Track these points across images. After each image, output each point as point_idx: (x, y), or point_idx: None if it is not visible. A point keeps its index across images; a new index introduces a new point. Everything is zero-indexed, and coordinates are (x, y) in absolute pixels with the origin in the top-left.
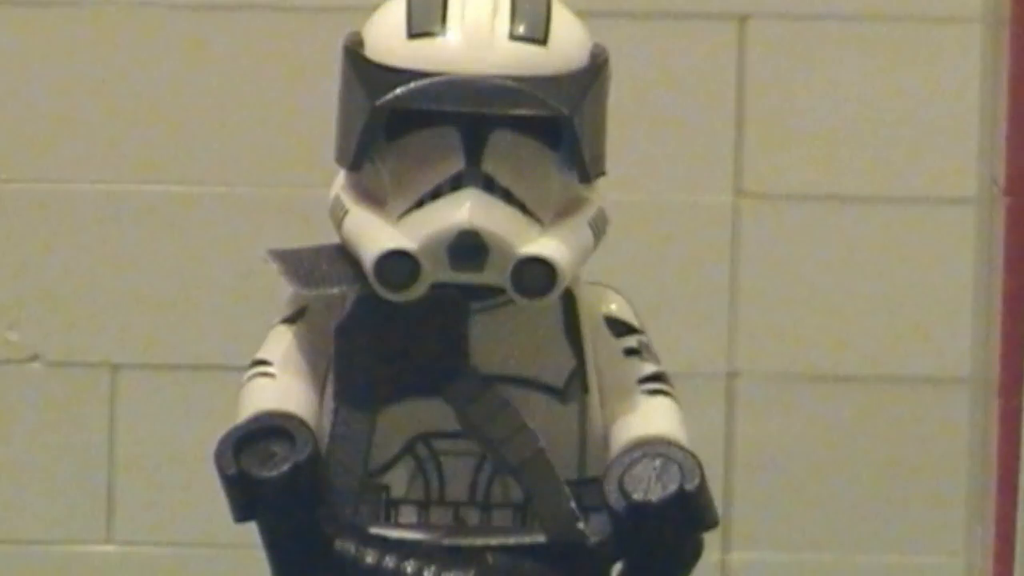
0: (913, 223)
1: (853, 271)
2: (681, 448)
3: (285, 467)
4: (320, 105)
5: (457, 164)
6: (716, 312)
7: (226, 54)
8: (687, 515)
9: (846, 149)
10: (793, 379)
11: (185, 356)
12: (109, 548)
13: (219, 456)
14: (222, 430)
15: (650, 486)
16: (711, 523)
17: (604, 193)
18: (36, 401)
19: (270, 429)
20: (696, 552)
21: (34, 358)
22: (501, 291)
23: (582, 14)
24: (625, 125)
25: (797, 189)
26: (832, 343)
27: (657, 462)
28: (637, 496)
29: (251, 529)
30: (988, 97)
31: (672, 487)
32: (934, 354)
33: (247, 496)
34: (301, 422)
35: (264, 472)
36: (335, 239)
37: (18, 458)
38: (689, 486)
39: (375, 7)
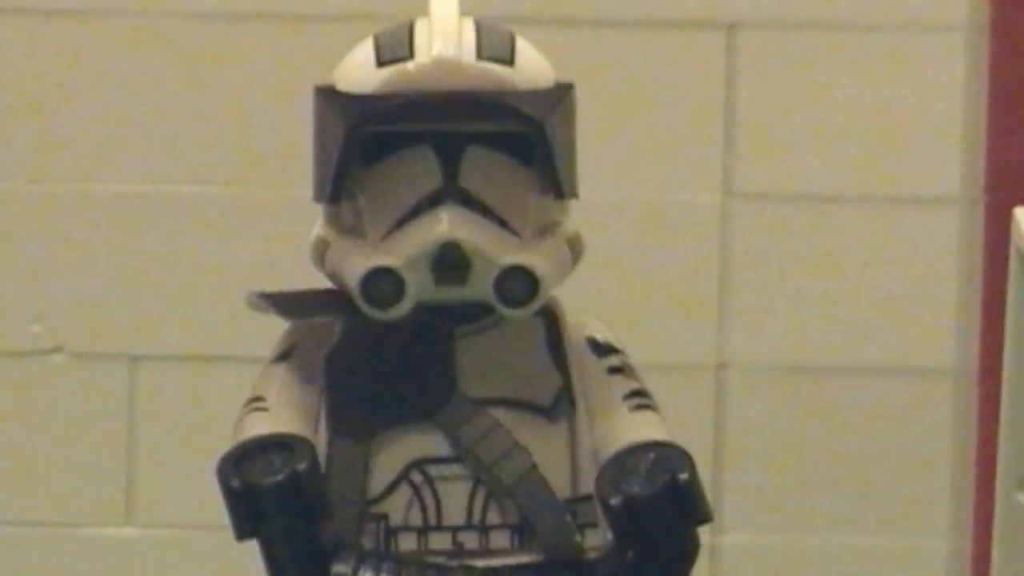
0: (898, 222)
1: (840, 267)
2: (671, 444)
3: (285, 473)
4: None
5: (434, 182)
6: (705, 306)
7: (240, 60)
8: (681, 506)
9: (832, 151)
10: (781, 370)
11: (201, 348)
12: (128, 530)
13: (221, 471)
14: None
15: (643, 479)
16: (705, 516)
17: (575, 221)
18: (59, 390)
19: (269, 443)
20: (694, 548)
21: (57, 349)
22: (485, 314)
23: (573, 21)
24: (617, 129)
25: (785, 189)
26: (819, 336)
27: (651, 455)
28: (631, 490)
29: None
30: (970, 101)
31: (664, 478)
32: (918, 346)
33: (249, 509)
34: (301, 436)
35: (265, 479)
36: None
37: (42, 444)
38: (681, 476)
39: (388, 15)
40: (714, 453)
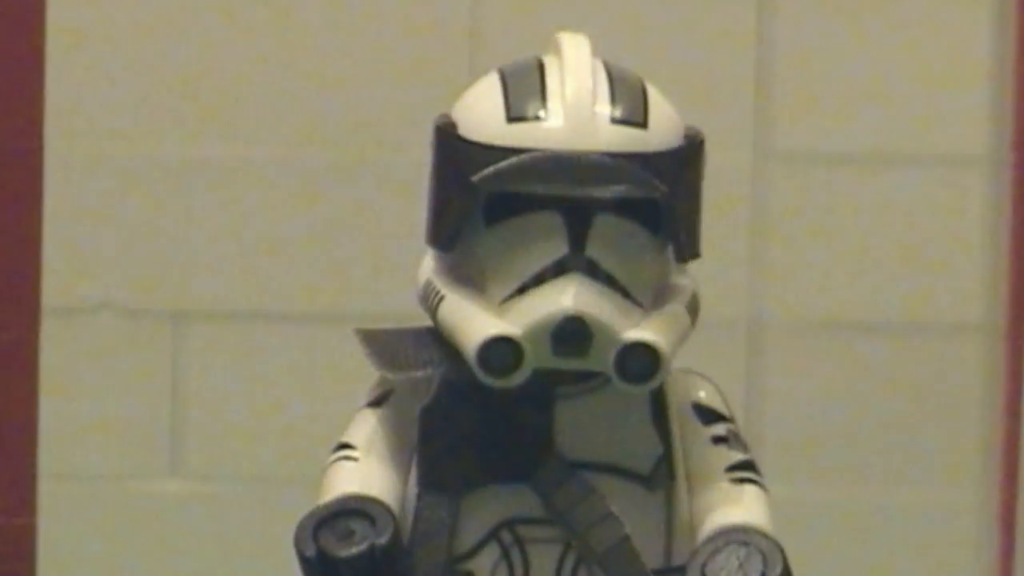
0: (927, 180)
1: (870, 224)
2: (765, 536)
3: (363, 546)
4: (382, 73)
5: (561, 249)
6: (737, 264)
7: (280, 22)
8: None
9: (864, 110)
10: (813, 326)
11: (247, 305)
12: (174, 483)
13: (298, 537)
14: (279, 374)
15: (732, 575)
16: None
17: (695, 276)
18: (105, 347)
19: (351, 511)
20: None
21: (104, 307)
22: (589, 376)
23: None
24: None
25: (816, 148)
26: (850, 293)
27: (742, 551)
28: None
29: (311, 464)
30: (999, 57)
31: None
32: (948, 301)
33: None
34: (383, 505)
35: (341, 551)
36: (388, 203)
37: (88, 400)
38: (771, 575)
39: None
40: (746, 407)
